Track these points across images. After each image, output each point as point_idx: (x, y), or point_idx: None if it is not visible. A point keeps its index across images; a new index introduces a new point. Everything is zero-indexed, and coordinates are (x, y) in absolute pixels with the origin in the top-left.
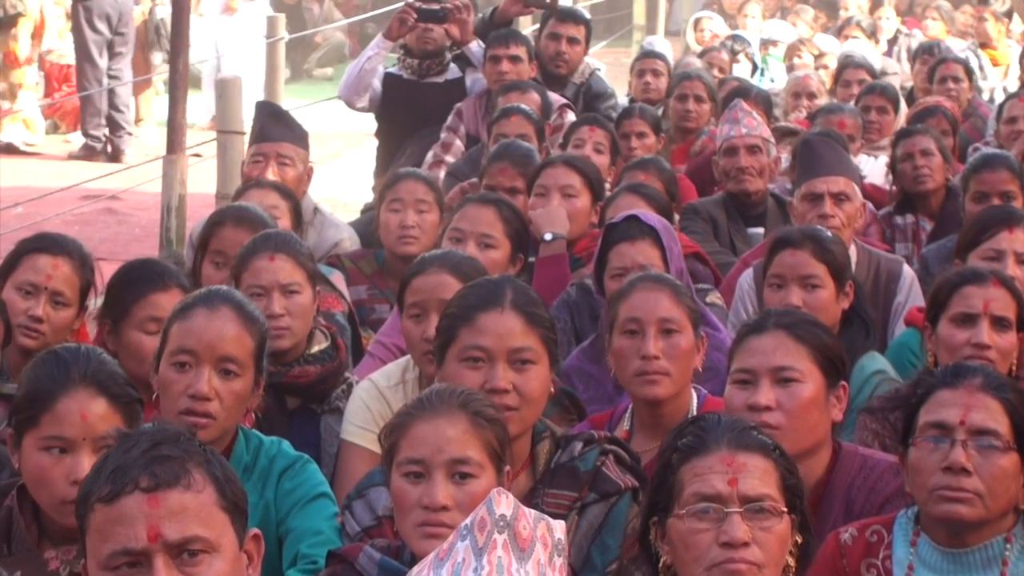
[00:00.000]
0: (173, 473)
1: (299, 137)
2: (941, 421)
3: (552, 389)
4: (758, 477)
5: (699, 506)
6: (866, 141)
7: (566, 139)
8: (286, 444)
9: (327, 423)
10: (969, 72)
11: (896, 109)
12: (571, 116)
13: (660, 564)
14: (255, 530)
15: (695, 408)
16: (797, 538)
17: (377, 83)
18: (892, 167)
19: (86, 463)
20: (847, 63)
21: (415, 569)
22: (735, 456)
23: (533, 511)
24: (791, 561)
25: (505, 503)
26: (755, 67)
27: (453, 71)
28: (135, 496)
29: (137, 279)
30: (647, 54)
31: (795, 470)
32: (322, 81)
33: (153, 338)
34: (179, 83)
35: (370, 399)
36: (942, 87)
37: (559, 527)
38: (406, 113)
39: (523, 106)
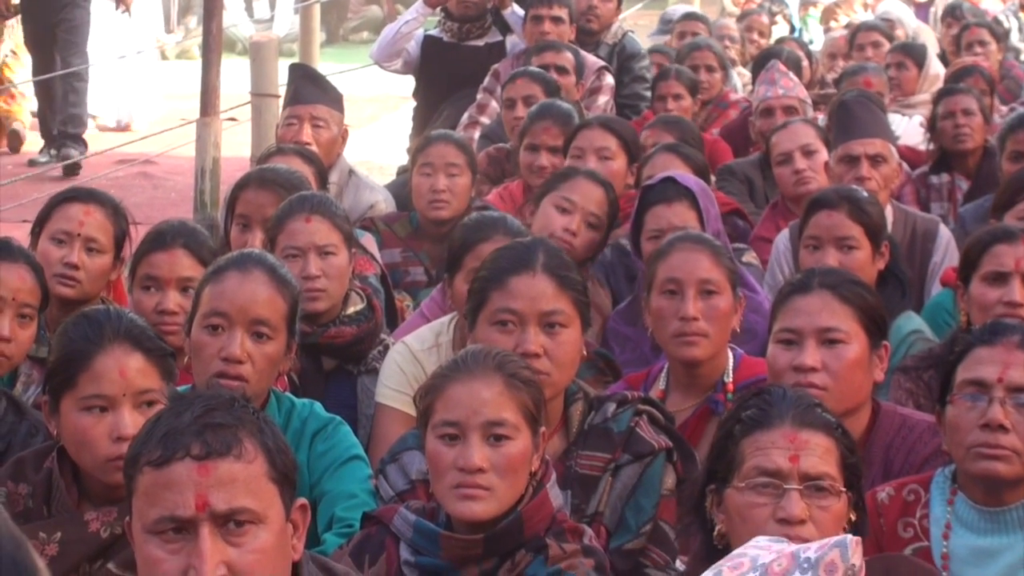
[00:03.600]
0: (225, 442)
1: (334, 99)
2: (979, 378)
3: (585, 352)
4: (819, 456)
5: (759, 480)
6: (892, 99)
7: (568, 142)
8: (318, 406)
9: (363, 384)
10: (996, 35)
11: (919, 65)
12: (609, 78)
13: (715, 532)
14: (302, 500)
15: (731, 369)
16: (851, 516)
17: (413, 46)
18: (931, 125)
19: (128, 419)
20: (860, 26)
21: (728, 566)
22: (798, 433)
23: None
24: None
25: (858, 553)
26: (792, 29)
27: (494, 34)
28: (186, 463)
29: (145, 240)
30: (689, 16)
31: (855, 449)
32: (358, 45)
33: (149, 296)
34: (213, 46)
35: (404, 362)
36: (969, 53)
37: (859, 550)
38: (445, 75)
39: (531, 68)
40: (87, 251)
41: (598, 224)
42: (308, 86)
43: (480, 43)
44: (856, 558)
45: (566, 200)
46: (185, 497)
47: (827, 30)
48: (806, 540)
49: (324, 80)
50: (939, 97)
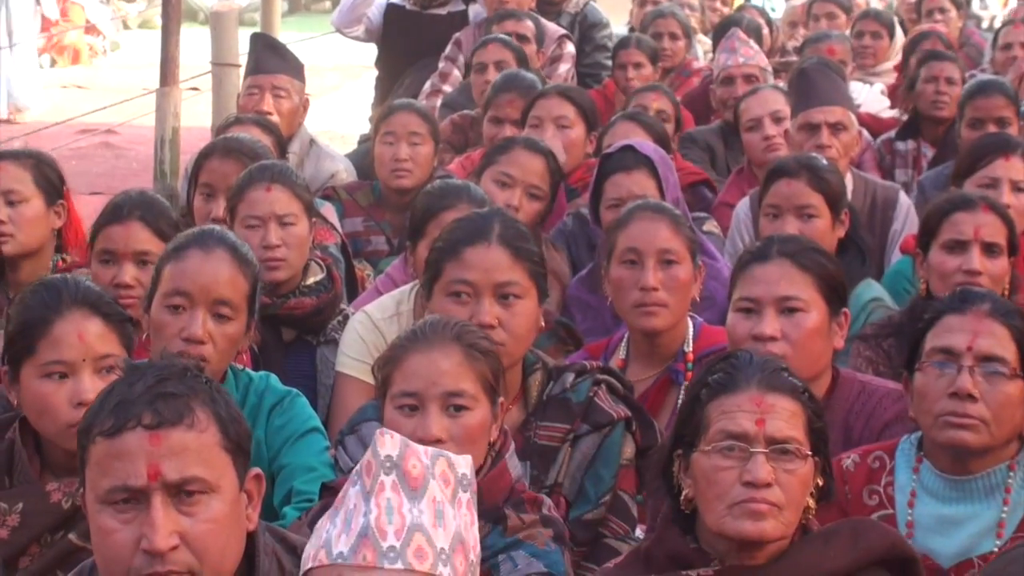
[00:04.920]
0: (177, 411)
1: (295, 69)
2: (948, 346)
3: (543, 323)
4: (785, 419)
5: (724, 443)
6: (859, 67)
7: (526, 111)
8: (274, 379)
9: (323, 354)
10: (956, 2)
11: (891, 34)
12: (570, 47)
13: (682, 497)
14: (256, 470)
15: (691, 338)
16: (818, 481)
17: (375, 13)
18: (909, 86)
19: (88, 384)
20: None
21: (321, 520)
22: (764, 397)
23: (431, 448)
24: (811, 502)
25: (390, 443)
26: None
27: (456, 3)
28: (137, 432)
29: (103, 213)
30: None
31: (822, 413)
32: (320, 14)
33: (106, 269)
34: (172, 15)
35: (365, 331)
36: (929, 20)
37: (463, 462)
38: (407, 44)
39: (501, 35)
40: (8, 204)
41: (541, 195)
42: (269, 56)
43: (443, 11)
44: (388, 448)
45: (505, 175)
46: (136, 466)
47: None
48: (773, 504)
49: (285, 49)
50: (924, 60)
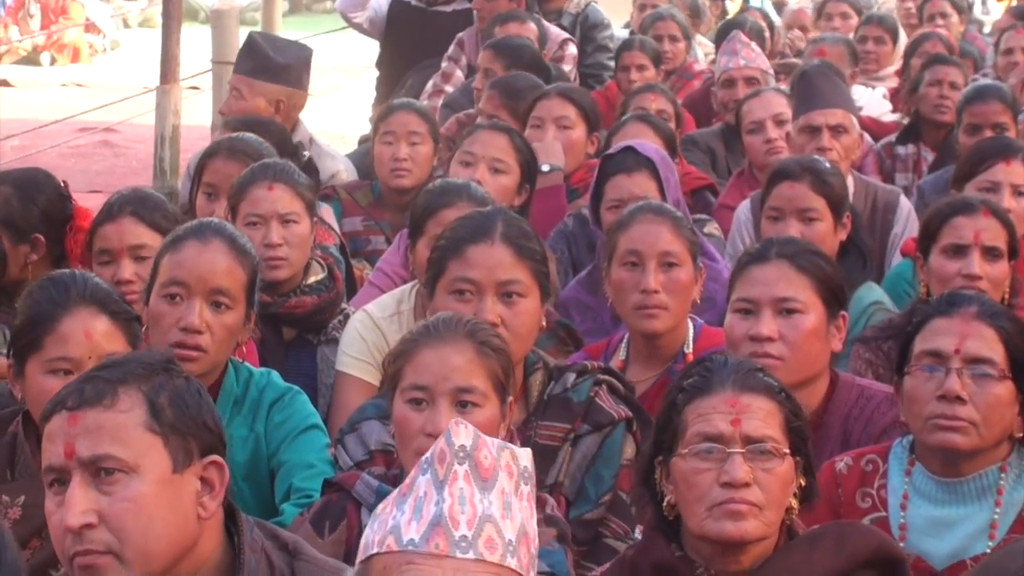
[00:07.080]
0: (97, 393)
1: (269, 72)
2: (936, 349)
3: (544, 323)
4: (761, 419)
5: (701, 446)
6: (862, 71)
7: (526, 113)
8: (275, 375)
9: (324, 353)
10: (958, 7)
11: (895, 40)
12: (572, 48)
13: (664, 503)
14: (214, 457)
15: (691, 339)
16: (801, 481)
17: (380, 3)
18: (912, 88)
19: None
20: None
21: (379, 507)
22: (739, 397)
23: (496, 440)
24: (794, 503)
25: (464, 433)
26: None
27: (462, 1)
28: (61, 415)
29: (98, 214)
30: None
31: (800, 412)
32: (320, 14)
33: (106, 268)
34: (173, 13)
35: (365, 330)
36: (931, 24)
37: (525, 455)
38: (410, 42)
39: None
40: None
41: (505, 168)
42: (243, 56)
43: (447, 8)
44: (462, 438)
45: (467, 154)
46: (57, 446)
47: (782, 4)
48: (752, 504)
49: (261, 51)
50: (927, 64)
